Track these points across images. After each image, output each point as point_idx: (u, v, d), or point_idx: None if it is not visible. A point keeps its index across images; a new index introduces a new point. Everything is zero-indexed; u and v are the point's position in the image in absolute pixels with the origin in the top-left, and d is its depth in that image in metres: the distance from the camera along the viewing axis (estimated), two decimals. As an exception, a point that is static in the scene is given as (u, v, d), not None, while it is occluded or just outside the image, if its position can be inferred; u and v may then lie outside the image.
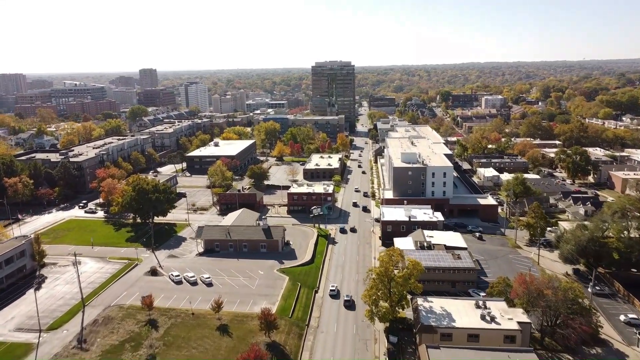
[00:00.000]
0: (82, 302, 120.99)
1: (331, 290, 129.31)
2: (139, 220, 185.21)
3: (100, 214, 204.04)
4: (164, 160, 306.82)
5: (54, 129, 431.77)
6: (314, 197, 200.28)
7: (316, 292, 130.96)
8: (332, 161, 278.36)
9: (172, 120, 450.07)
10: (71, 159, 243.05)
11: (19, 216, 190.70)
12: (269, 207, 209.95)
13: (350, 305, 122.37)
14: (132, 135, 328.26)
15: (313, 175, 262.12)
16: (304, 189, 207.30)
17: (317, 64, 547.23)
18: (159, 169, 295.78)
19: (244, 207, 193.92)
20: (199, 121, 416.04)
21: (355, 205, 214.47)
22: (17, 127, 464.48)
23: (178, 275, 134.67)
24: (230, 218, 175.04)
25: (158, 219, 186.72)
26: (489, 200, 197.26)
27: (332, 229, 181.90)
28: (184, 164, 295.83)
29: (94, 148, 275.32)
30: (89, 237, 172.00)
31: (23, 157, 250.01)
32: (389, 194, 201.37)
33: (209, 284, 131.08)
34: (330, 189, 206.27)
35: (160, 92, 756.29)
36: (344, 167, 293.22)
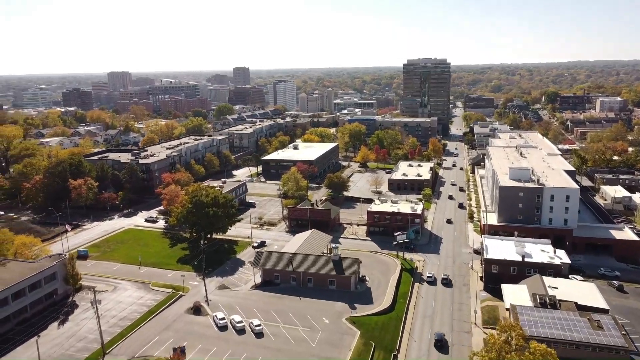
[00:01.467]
0: (102, 350, 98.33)
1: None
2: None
3: (161, 223, 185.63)
4: (239, 163, 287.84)
5: (143, 126, 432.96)
6: (399, 217, 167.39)
7: (395, 357, 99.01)
8: (422, 170, 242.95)
9: (255, 119, 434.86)
10: (140, 161, 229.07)
11: (67, 226, 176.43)
12: (345, 225, 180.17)
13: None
14: (209, 135, 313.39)
15: (399, 187, 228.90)
16: (388, 207, 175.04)
17: (410, 61, 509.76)
18: (233, 172, 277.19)
19: (316, 225, 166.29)
20: (281, 121, 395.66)
21: (451, 197, 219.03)
22: (111, 123, 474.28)
23: (223, 319, 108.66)
24: (297, 241, 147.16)
25: (218, 235, 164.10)
26: (628, 233, 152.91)
27: (420, 259, 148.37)
28: (260, 168, 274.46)
29: (167, 148, 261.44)
30: (141, 252, 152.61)
31: (95, 157, 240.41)
32: (493, 219, 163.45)
33: (259, 334, 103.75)
34: (419, 209, 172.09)
35: (250, 90, 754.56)
36: (436, 177, 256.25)
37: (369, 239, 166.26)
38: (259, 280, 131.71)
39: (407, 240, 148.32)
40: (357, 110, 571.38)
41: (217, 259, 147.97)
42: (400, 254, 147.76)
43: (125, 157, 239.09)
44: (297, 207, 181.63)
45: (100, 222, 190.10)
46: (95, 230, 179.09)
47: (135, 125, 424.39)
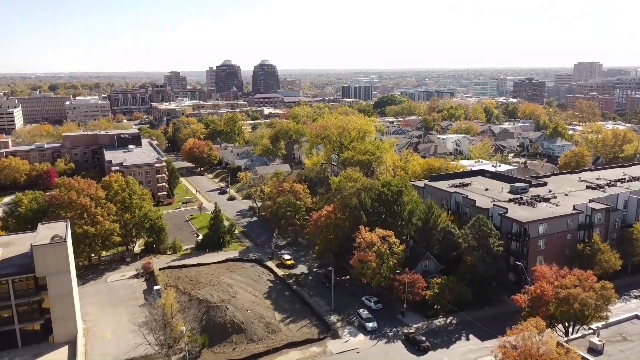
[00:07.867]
0: None
1: None
2: None
3: None
4: None
5: (579, 130, 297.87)
6: None
7: None
8: None
9: None
10: (509, 213, 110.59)
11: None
12: None
13: None
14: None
15: None
16: None
17: None
18: None
19: None
20: None
21: None
22: (543, 122, 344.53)
23: None
24: None
25: None
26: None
27: None
28: None
29: (590, 187, 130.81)
30: None
31: (443, 182, 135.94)
32: None
33: None
34: None
35: None
36: None
37: None
38: None
39: None
40: None
41: None
42: None
43: (497, 192, 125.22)
44: None
45: (368, 337, 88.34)
46: None
47: (569, 129, 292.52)
